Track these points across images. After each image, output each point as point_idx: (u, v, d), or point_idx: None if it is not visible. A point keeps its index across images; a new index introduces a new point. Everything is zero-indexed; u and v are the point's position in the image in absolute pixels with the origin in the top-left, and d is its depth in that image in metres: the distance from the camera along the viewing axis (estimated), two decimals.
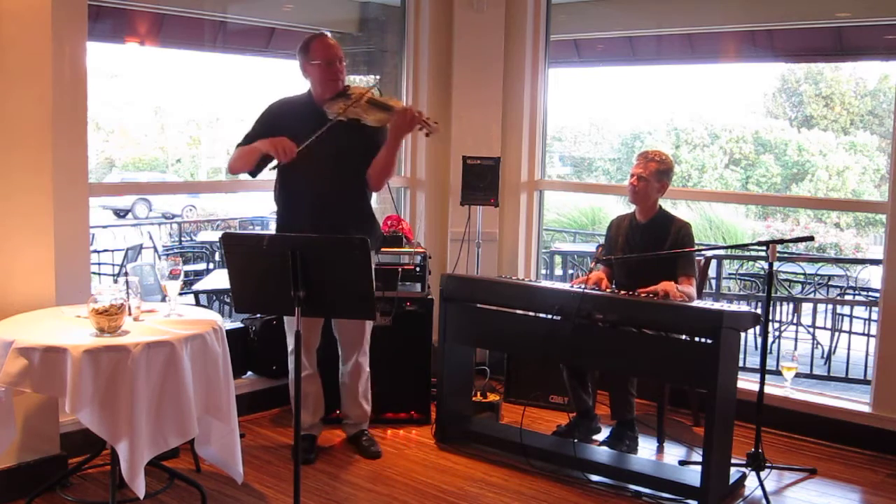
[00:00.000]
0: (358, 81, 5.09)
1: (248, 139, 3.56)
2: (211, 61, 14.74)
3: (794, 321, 6.73)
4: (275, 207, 3.73)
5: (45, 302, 3.27)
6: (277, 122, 3.58)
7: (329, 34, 3.60)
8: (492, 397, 4.36)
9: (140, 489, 2.72)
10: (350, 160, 3.57)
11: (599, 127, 15.21)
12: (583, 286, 3.63)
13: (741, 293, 7.87)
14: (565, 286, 3.73)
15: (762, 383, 3.50)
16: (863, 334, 6.33)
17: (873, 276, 7.89)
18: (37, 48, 3.23)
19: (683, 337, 3.46)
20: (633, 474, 3.55)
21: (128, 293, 2.97)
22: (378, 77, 4.82)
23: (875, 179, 13.36)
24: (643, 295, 3.53)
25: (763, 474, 3.48)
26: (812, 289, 7.50)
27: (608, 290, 3.69)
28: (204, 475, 3.53)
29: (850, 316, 6.62)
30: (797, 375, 4.48)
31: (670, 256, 3.75)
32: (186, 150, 16.95)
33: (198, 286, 6.57)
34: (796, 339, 6.52)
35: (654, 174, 3.83)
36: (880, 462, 3.93)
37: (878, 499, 3.57)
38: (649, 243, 3.85)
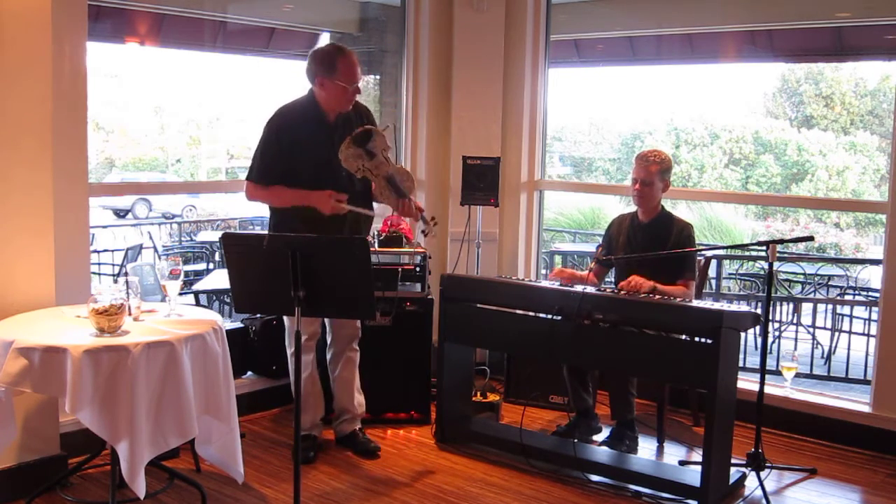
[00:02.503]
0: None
1: (267, 166, 3.52)
2: (211, 61, 14.74)
3: (794, 321, 6.72)
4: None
5: (45, 302, 3.27)
6: (286, 138, 3.53)
7: (354, 52, 3.58)
8: (492, 397, 4.36)
9: (140, 489, 2.73)
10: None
11: (599, 127, 15.19)
12: (558, 281, 3.74)
13: (741, 293, 7.86)
14: (565, 286, 3.73)
15: (762, 383, 3.51)
16: (863, 334, 6.33)
17: (873, 276, 7.89)
18: (37, 48, 3.23)
19: (683, 337, 3.46)
20: (633, 474, 3.55)
21: (128, 293, 2.97)
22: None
23: (875, 179, 13.35)
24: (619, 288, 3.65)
25: (763, 474, 3.48)
26: (812, 289, 7.50)
27: (608, 290, 3.69)
28: (204, 475, 3.53)
29: (850, 316, 6.62)
30: (797, 375, 4.48)
31: (671, 257, 3.75)
32: (186, 150, 16.93)
33: (198, 286, 6.58)
34: (796, 339, 6.52)
35: (656, 175, 3.84)
36: (880, 462, 3.93)
37: (878, 499, 3.57)
38: (651, 243, 3.86)
